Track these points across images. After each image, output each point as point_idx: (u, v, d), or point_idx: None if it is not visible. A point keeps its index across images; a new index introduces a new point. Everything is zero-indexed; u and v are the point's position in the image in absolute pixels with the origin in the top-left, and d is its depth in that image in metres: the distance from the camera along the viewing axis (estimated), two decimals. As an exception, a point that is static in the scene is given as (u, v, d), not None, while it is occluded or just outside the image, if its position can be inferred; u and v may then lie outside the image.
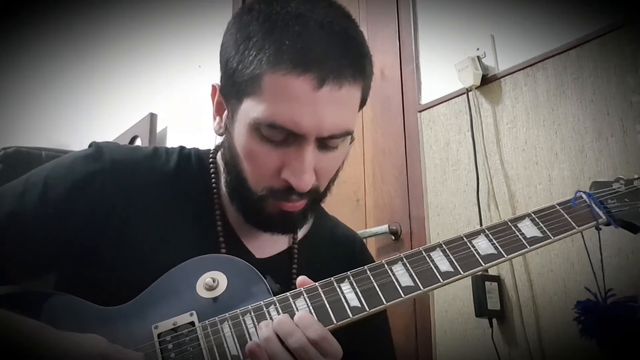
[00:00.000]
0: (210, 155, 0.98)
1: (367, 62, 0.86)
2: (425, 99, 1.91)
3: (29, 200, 0.84)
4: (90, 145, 0.93)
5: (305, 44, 0.80)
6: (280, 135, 0.81)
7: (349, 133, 0.85)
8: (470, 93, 1.74)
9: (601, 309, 0.88)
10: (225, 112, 0.89)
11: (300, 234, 1.01)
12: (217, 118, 0.92)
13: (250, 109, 0.82)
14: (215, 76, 0.91)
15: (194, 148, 1.00)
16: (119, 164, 0.90)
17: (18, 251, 0.82)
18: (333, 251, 1.04)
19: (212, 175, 0.96)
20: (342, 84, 0.81)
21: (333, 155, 0.86)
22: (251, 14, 0.84)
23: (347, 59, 0.82)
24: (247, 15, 0.85)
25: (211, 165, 0.97)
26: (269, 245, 0.96)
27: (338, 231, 1.09)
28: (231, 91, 0.86)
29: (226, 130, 0.89)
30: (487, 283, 1.55)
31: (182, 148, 0.99)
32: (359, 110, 0.89)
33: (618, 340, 0.87)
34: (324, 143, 0.84)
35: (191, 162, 0.96)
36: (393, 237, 1.89)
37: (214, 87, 0.92)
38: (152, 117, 2.98)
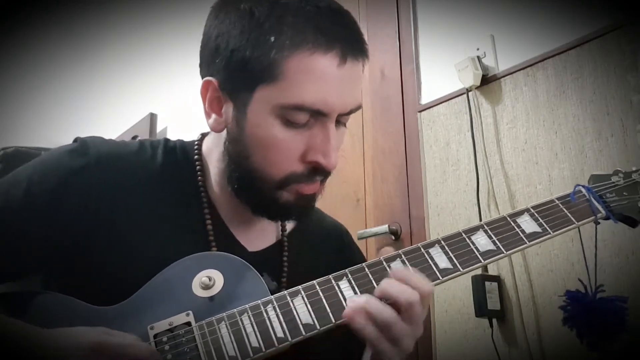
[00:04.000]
0: (195, 147, 0.96)
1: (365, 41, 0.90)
2: (425, 99, 1.91)
3: (14, 198, 0.82)
4: (75, 140, 0.90)
5: (322, 22, 0.81)
6: (305, 117, 0.82)
7: (360, 107, 0.88)
8: (470, 93, 1.74)
9: (588, 301, 0.88)
10: (226, 107, 0.86)
11: (289, 226, 1.00)
12: (213, 115, 0.88)
13: (271, 96, 0.81)
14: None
15: (179, 140, 0.98)
16: (105, 159, 0.87)
17: (3, 249, 0.80)
18: (323, 243, 1.03)
19: (198, 168, 0.94)
20: (358, 59, 0.84)
21: (342, 130, 0.89)
22: (248, 1, 0.83)
23: (356, 36, 0.85)
24: (244, 3, 0.84)
25: (196, 158, 0.94)
26: (260, 238, 0.96)
27: (325, 222, 1.09)
28: (239, 83, 0.83)
29: (236, 125, 0.85)
30: (487, 283, 1.55)
31: (166, 141, 0.96)
32: None
33: (598, 335, 0.86)
34: (339, 119, 0.85)
35: (176, 155, 0.94)
36: (393, 237, 1.89)
37: (207, 82, 0.87)
38: (152, 117, 2.98)
